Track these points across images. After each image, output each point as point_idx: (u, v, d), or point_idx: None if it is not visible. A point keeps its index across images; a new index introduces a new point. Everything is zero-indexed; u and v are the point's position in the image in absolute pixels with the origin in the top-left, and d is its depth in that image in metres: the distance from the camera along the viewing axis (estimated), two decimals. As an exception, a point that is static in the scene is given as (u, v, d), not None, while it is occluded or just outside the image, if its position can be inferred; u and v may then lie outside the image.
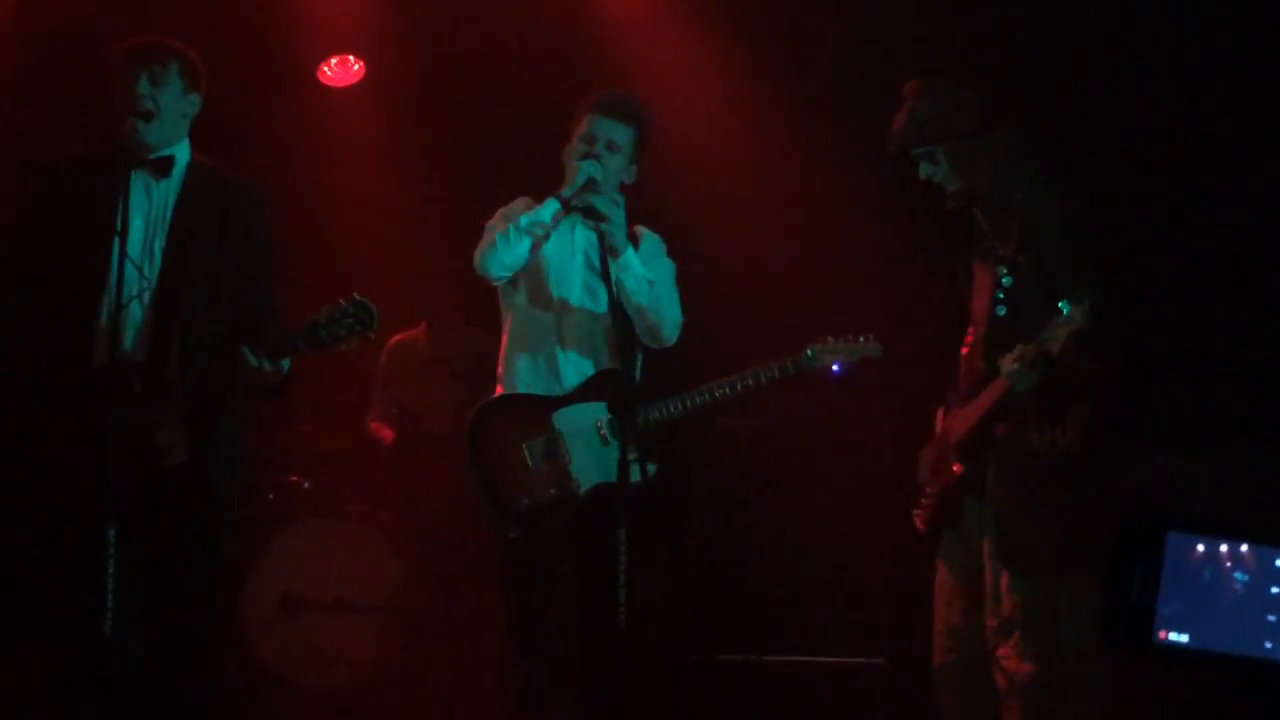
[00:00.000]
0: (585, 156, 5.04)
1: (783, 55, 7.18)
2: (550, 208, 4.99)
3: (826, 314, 7.12)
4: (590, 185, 4.96)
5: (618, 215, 4.99)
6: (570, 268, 5.12)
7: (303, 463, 7.42)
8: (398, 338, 7.84)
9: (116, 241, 4.60)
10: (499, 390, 5.18)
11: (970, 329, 4.91)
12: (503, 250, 5.03)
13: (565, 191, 4.99)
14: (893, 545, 6.73)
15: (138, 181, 4.74)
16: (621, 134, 5.09)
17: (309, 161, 7.70)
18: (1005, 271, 4.60)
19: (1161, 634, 1.88)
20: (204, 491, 4.76)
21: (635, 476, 4.80)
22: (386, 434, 7.62)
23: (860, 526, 6.76)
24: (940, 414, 5.03)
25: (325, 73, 7.86)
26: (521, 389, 5.11)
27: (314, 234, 7.54)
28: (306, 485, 7.31)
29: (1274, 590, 1.91)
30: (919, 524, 5.04)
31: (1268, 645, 1.92)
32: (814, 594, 6.71)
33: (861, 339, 5.08)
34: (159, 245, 4.74)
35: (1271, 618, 1.91)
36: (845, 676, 6.60)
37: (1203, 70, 6.05)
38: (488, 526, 5.19)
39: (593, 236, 5.09)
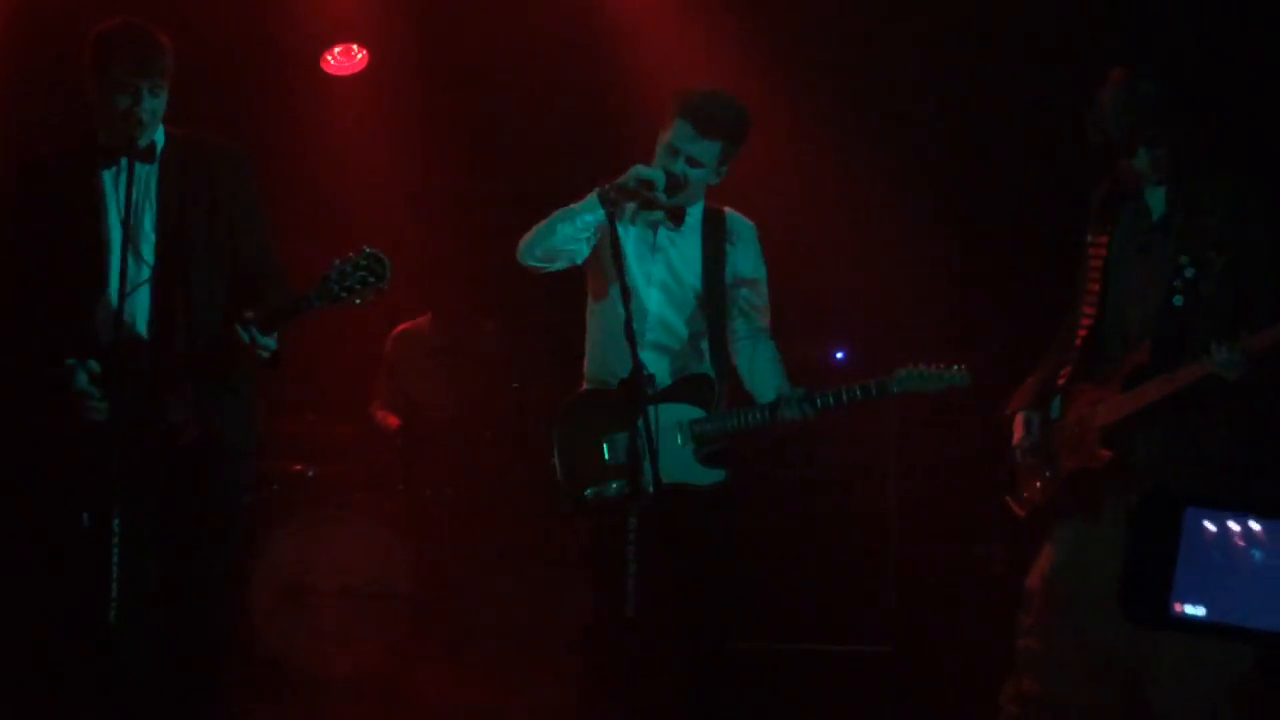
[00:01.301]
0: (667, 173, 4.96)
1: (794, 45, 7.17)
2: (589, 204, 4.95)
3: (830, 313, 7.18)
4: (640, 188, 4.89)
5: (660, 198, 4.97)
6: (651, 266, 5.08)
7: (308, 452, 7.42)
8: (403, 326, 7.84)
9: (115, 228, 4.62)
10: (583, 380, 5.17)
11: (1087, 309, 4.83)
12: (535, 240, 5.01)
13: (610, 191, 4.89)
14: (900, 535, 6.73)
15: (123, 171, 4.72)
16: (708, 150, 5.00)
17: (312, 150, 7.70)
18: (1188, 262, 4.55)
19: (1178, 607, 1.89)
20: (217, 475, 4.76)
21: (706, 480, 4.89)
22: (392, 420, 7.62)
23: (868, 517, 6.76)
24: (1057, 400, 4.91)
25: (329, 61, 7.85)
26: (598, 384, 5.10)
27: (318, 222, 7.53)
28: (311, 474, 7.31)
29: None
30: (1018, 509, 4.95)
31: None
32: (822, 583, 6.71)
33: (956, 369, 4.93)
34: (150, 224, 4.73)
35: None
36: (853, 665, 6.60)
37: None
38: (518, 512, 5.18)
39: (673, 237, 5.10)
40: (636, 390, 4.63)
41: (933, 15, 6.89)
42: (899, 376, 4.91)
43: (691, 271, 5.11)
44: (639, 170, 4.88)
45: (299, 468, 7.31)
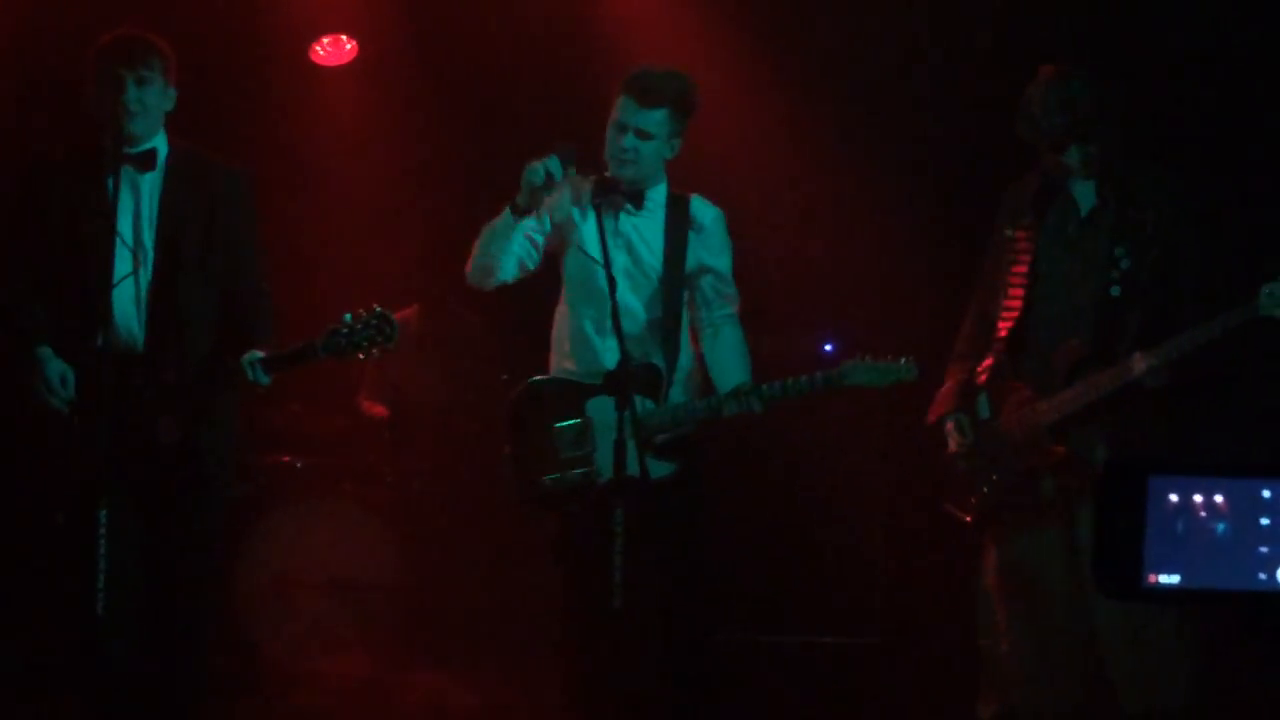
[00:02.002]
0: (614, 146, 5.02)
1: (780, 40, 7.17)
2: (504, 217, 4.99)
3: (820, 304, 7.17)
4: (541, 187, 4.90)
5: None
6: (614, 252, 5.01)
7: (294, 443, 7.41)
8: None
9: (124, 232, 4.70)
10: (550, 367, 5.18)
11: (1010, 302, 4.82)
12: (471, 261, 5.08)
13: (519, 199, 4.94)
14: (888, 526, 6.73)
15: (125, 178, 4.76)
16: (653, 120, 5.02)
17: (300, 141, 7.68)
18: (1124, 254, 4.57)
19: (1152, 577, 1.89)
20: (200, 472, 4.79)
21: (654, 473, 4.78)
22: (379, 410, 7.62)
23: (856, 508, 6.77)
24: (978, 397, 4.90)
25: (317, 52, 7.83)
26: (562, 372, 5.12)
27: (306, 214, 7.52)
28: (299, 465, 7.30)
29: (1263, 522, 1.92)
30: (964, 515, 4.94)
31: (1261, 576, 1.93)
32: (810, 575, 6.73)
33: (902, 361, 4.89)
34: (149, 237, 4.77)
35: (1263, 549, 1.92)
36: (842, 656, 6.61)
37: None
38: (505, 504, 5.19)
39: (635, 223, 5.11)
40: (622, 381, 4.66)
41: (919, 5, 6.88)
42: (845, 369, 4.89)
43: (653, 255, 5.10)
44: (527, 170, 4.88)
45: (286, 459, 7.31)
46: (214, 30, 7.02)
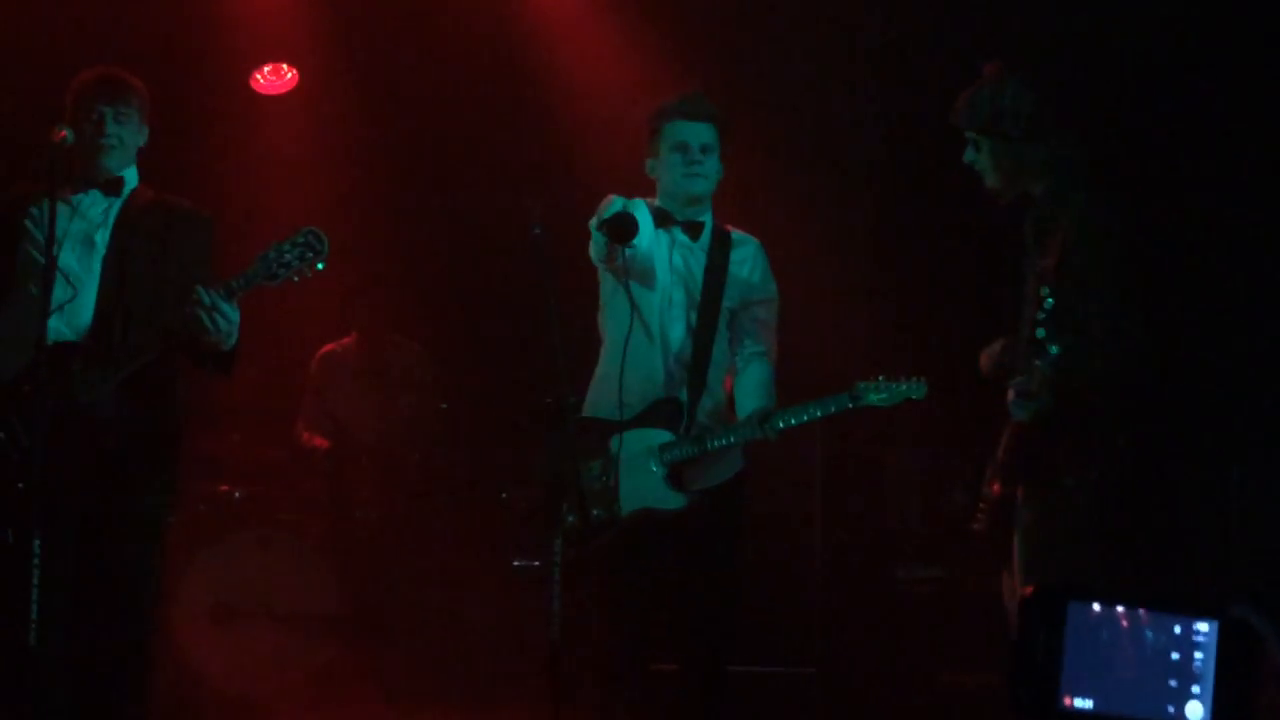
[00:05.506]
0: (685, 168, 5.00)
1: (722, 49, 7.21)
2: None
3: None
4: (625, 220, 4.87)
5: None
6: (672, 290, 5.05)
7: (233, 472, 7.38)
8: (328, 347, 7.81)
9: (66, 252, 4.70)
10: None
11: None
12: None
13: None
14: (824, 556, 6.76)
15: (86, 197, 4.81)
16: (708, 132, 5.02)
17: (240, 170, 7.66)
18: (1048, 293, 4.49)
19: (1067, 700, 1.93)
20: (138, 496, 4.75)
21: (672, 504, 4.87)
22: (319, 442, 7.59)
23: (792, 538, 6.78)
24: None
25: (258, 80, 7.83)
26: (589, 409, 5.08)
27: (244, 244, 7.49)
28: (237, 494, 7.28)
29: (1173, 656, 1.97)
30: (976, 528, 4.89)
31: (1170, 710, 1.97)
32: (747, 604, 6.73)
33: (913, 380, 4.87)
34: (100, 255, 4.77)
35: (1172, 682, 1.96)
36: (778, 686, 6.62)
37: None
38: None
39: (688, 253, 5.08)
40: (673, 414, 4.86)
41: (870, 18, 6.93)
42: (859, 390, 4.86)
43: (696, 289, 5.08)
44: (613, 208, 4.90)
45: (225, 488, 7.28)
46: (154, 58, 7.00)
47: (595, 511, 4.88)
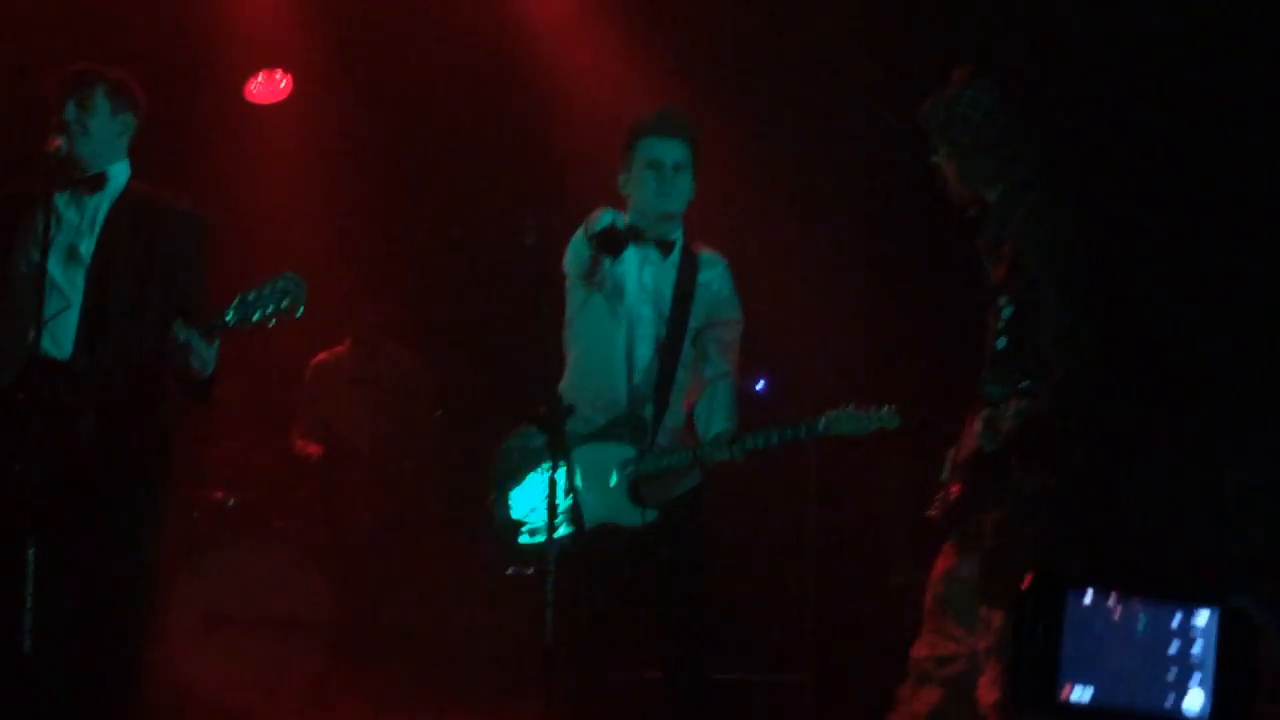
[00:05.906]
0: (658, 186, 4.99)
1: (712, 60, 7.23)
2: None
3: (750, 342, 7.21)
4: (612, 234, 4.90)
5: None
6: (641, 307, 5.06)
7: (227, 479, 7.38)
8: (322, 355, 7.82)
9: (39, 258, 4.61)
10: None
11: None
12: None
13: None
14: (817, 563, 6.77)
15: (67, 199, 4.77)
16: (680, 149, 5.01)
17: (235, 179, 7.66)
18: (1006, 302, 4.47)
19: (1066, 692, 1.93)
20: (130, 503, 4.75)
21: (636, 520, 4.88)
22: (313, 449, 7.59)
23: (786, 545, 6.79)
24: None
25: (251, 89, 7.83)
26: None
27: (239, 252, 7.49)
28: (231, 502, 7.27)
29: (1171, 648, 1.97)
30: (932, 516, 4.85)
31: (1170, 699, 1.98)
32: (740, 612, 6.74)
33: (885, 409, 4.84)
34: (87, 252, 4.76)
35: (1170, 675, 1.97)
36: (771, 693, 6.63)
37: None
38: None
39: (657, 271, 5.08)
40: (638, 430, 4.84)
41: (851, 31, 6.95)
42: (826, 419, 4.83)
43: (665, 306, 5.08)
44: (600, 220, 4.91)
45: (219, 495, 7.28)
46: (148, 66, 7.00)
47: (557, 524, 4.88)
